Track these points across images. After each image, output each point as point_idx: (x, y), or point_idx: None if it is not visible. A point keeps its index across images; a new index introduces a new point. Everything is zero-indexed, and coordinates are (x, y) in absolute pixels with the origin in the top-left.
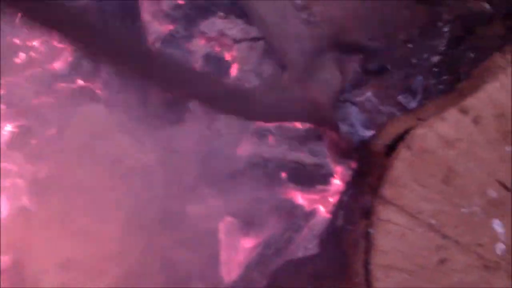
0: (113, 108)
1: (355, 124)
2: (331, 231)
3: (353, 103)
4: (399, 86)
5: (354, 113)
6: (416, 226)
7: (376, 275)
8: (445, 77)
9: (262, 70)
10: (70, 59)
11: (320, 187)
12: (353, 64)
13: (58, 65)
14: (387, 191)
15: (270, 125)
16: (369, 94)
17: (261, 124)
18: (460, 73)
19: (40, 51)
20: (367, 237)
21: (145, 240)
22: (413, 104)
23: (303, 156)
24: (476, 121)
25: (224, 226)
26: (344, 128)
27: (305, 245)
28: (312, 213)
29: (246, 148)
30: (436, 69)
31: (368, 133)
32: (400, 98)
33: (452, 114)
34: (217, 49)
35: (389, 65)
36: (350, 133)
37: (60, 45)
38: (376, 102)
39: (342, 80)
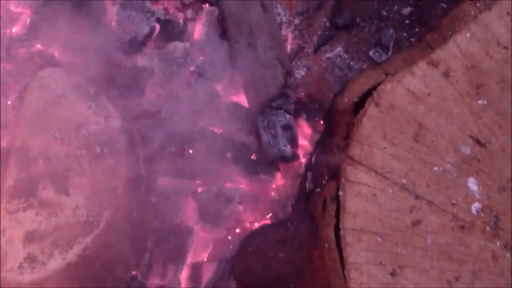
0: (73, 72)
1: (278, 135)
2: (300, 195)
3: (286, 111)
4: (370, 40)
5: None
6: (387, 186)
7: (347, 239)
8: (416, 30)
9: None
10: (28, 23)
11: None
12: (322, 19)
13: (16, 29)
14: (355, 150)
15: None
16: (339, 49)
17: None
18: (432, 25)
19: None
20: (337, 200)
21: (112, 207)
22: (384, 59)
23: None
24: (446, 74)
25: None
26: (265, 137)
27: (275, 210)
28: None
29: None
30: (407, 21)
31: (287, 150)
32: (371, 53)
33: (421, 67)
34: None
35: (358, 18)
36: (270, 145)
37: (18, 9)
38: (346, 57)
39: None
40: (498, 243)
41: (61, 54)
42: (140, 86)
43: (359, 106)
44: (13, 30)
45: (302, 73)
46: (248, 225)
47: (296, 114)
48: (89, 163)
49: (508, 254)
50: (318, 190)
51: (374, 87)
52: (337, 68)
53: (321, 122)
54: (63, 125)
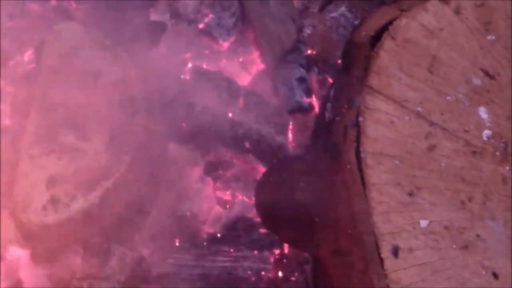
0: (88, 25)
1: (294, 87)
2: (321, 125)
3: (300, 65)
4: (374, 1)
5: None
6: (404, 114)
7: (367, 162)
8: None
9: None
10: None
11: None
12: None
13: None
14: (373, 80)
15: None
16: (343, 9)
17: None
18: None
19: None
20: (357, 126)
21: (130, 154)
22: None
23: None
24: (457, 11)
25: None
26: (281, 89)
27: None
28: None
29: None
30: None
31: (304, 101)
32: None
33: (433, 4)
34: None
35: None
36: (287, 97)
37: None
38: (350, 17)
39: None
40: (507, 167)
41: (76, 9)
42: (154, 40)
43: (375, 40)
44: None
45: (308, 31)
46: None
47: (307, 69)
48: (108, 111)
49: None
50: (338, 118)
51: (390, 22)
52: (341, 27)
53: (328, 78)
54: (81, 75)
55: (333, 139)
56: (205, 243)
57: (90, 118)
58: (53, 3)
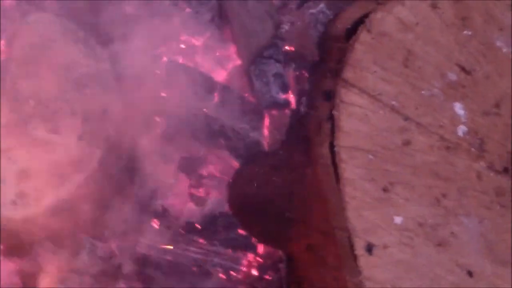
0: (61, 16)
1: (270, 83)
2: (295, 119)
3: (277, 60)
4: None
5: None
6: (378, 107)
7: (341, 156)
8: None
9: None
10: None
11: None
12: None
13: None
14: (348, 73)
15: None
16: (322, 6)
17: None
18: None
19: None
20: (331, 120)
21: (102, 148)
22: None
23: None
24: (434, 5)
25: None
26: (257, 85)
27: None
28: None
29: None
30: None
31: (279, 96)
32: None
33: None
34: None
35: None
36: (262, 92)
37: None
38: (329, 13)
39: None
40: (482, 164)
41: (48, 0)
42: (128, 34)
43: (351, 33)
44: None
45: (286, 27)
46: None
47: (284, 64)
48: (80, 104)
49: (492, 174)
50: (312, 112)
51: (366, 15)
52: (319, 24)
53: (305, 73)
54: (53, 67)
55: (307, 133)
56: (180, 231)
57: (61, 111)
58: None
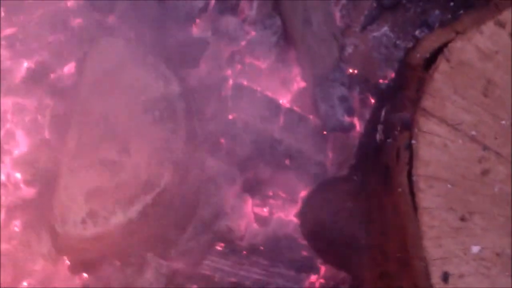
0: (130, 41)
1: (335, 106)
2: (371, 146)
3: (342, 83)
4: (416, 20)
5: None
6: (457, 137)
7: (419, 185)
8: (461, 12)
9: None
10: None
11: None
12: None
13: (71, 2)
14: (427, 102)
15: None
16: (385, 29)
17: None
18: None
19: None
20: (410, 149)
21: (170, 169)
22: None
23: None
24: None
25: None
26: (323, 108)
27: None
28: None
29: None
30: (452, 4)
31: (345, 120)
32: (417, 32)
33: (489, 27)
34: None
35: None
36: (328, 115)
37: None
38: (392, 36)
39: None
40: None
41: (118, 25)
42: (196, 57)
43: (429, 62)
44: (68, 3)
45: (350, 50)
46: None
47: (348, 87)
48: (149, 126)
49: None
50: (390, 140)
51: (445, 45)
52: (383, 47)
53: (370, 96)
54: (123, 90)
55: (385, 161)
56: (244, 252)
57: (131, 133)
58: (96, 17)
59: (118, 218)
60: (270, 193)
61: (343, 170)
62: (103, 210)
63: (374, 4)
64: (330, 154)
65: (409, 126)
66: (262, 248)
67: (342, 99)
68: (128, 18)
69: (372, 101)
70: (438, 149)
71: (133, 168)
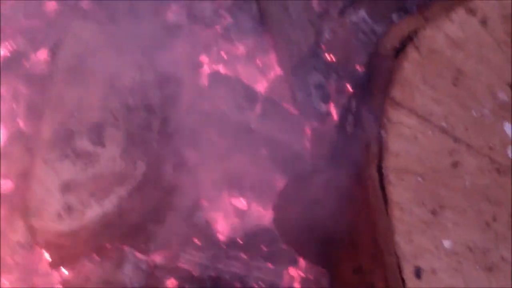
0: (103, 26)
1: (312, 94)
2: (341, 136)
3: (319, 71)
4: (393, 4)
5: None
6: (428, 128)
7: (390, 178)
8: None
9: None
10: None
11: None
12: None
13: None
14: (397, 92)
15: None
16: (362, 13)
17: None
18: None
19: None
20: (379, 140)
21: (146, 160)
22: None
23: None
24: (483, 21)
25: None
26: (299, 96)
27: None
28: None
29: None
30: None
31: (322, 108)
32: (394, 17)
33: (459, 14)
34: None
35: None
36: (304, 104)
37: None
38: (370, 22)
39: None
40: None
41: (92, 8)
42: (170, 42)
43: (399, 51)
44: None
45: (327, 36)
46: None
47: (326, 75)
48: (124, 116)
49: None
50: (359, 131)
51: (415, 33)
52: (361, 32)
53: (347, 84)
54: (97, 78)
55: (354, 154)
56: (223, 246)
57: (105, 122)
58: (70, 2)
59: (94, 211)
60: (248, 185)
61: (320, 161)
62: (79, 203)
63: None
64: (308, 144)
65: (378, 117)
66: (240, 241)
67: (319, 87)
68: (102, 3)
69: (350, 89)
70: (408, 140)
71: (108, 159)
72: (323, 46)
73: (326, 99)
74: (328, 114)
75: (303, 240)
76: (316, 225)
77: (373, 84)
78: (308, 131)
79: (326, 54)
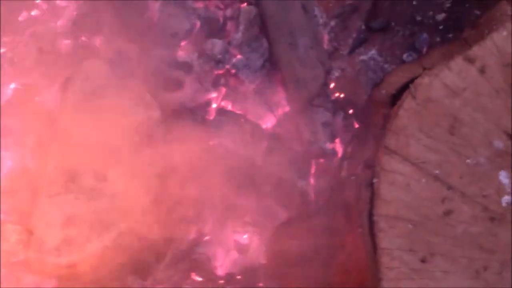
0: (115, 64)
1: (319, 132)
2: (335, 183)
3: (326, 109)
4: (404, 44)
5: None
6: (421, 176)
7: (380, 225)
8: (450, 35)
9: None
10: (73, 16)
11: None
12: (357, 22)
13: (61, 23)
14: (391, 140)
15: None
16: (373, 52)
17: None
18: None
19: (42, 9)
20: (371, 187)
21: (149, 196)
22: None
23: None
24: (482, 70)
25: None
26: (306, 134)
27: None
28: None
29: None
30: (441, 27)
31: (327, 146)
32: (405, 56)
33: (457, 63)
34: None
35: (393, 22)
36: (311, 141)
37: (63, 3)
38: (380, 60)
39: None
40: None
41: (104, 47)
42: (179, 80)
43: (396, 98)
44: (58, 23)
45: (337, 74)
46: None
47: (333, 113)
48: (128, 152)
49: None
50: (353, 178)
51: (411, 80)
52: (370, 71)
53: (355, 121)
54: (103, 115)
55: (346, 199)
56: (221, 281)
57: (110, 158)
58: (83, 40)
59: (94, 246)
60: (250, 220)
61: (322, 200)
62: (79, 237)
63: (363, 27)
64: (312, 181)
65: (372, 164)
66: (239, 277)
67: (326, 125)
68: (114, 42)
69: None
70: (401, 188)
71: (110, 195)
72: (331, 84)
73: (332, 137)
74: (334, 152)
75: (294, 276)
76: (308, 264)
77: (368, 131)
78: (313, 168)
79: (334, 92)
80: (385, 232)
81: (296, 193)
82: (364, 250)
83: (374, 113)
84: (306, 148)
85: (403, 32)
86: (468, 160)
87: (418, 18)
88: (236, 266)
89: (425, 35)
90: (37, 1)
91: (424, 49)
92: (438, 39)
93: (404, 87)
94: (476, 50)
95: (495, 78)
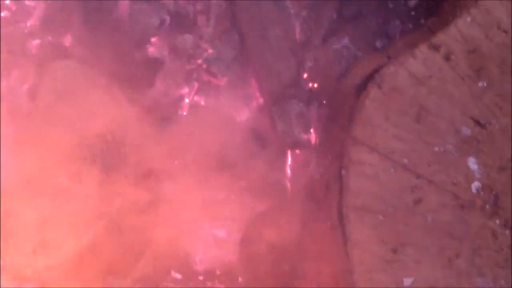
0: (85, 63)
1: (292, 123)
2: (304, 176)
3: (299, 100)
4: (376, 31)
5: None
6: (389, 166)
7: (349, 217)
8: (422, 21)
9: None
10: (41, 16)
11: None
12: (329, 11)
13: (30, 23)
14: (358, 131)
15: None
16: (346, 41)
17: None
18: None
19: (12, 10)
20: (340, 179)
21: (123, 195)
22: None
23: None
24: (447, 57)
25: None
26: (280, 125)
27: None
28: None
29: None
30: (413, 13)
31: (302, 137)
32: (378, 43)
33: (422, 50)
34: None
35: (365, 10)
36: (285, 133)
37: (32, 3)
38: (353, 48)
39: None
40: (497, 221)
41: (73, 46)
42: (151, 76)
43: (362, 89)
44: (27, 24)
45: (310, 64)
46: None
47: (307, 103)
48: (102, 152)
49: (507, 232)
50: (321, 170)
51: (377, 70)
52: (344, 59)
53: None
54: (76, 115)
55: (316, 193)
56: (200, 277)
57: (83, 159)
58: (51, 40)
59: (69, 248)
60: (228, 214)
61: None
62: (55, 239)
63: (335, 16)
64: (289, 172)
65: (340, 156)
66: (218, 272)
67: (300, 116)
68: (83, 40)
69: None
70: (369, 179)
71: (84, 196)
72: (304, 74)
73: (307, 128)
74: (309, 142)
75: (267, 268)
76: (278, 264)
77: (335, 123)
78: (288, 159)
79: (308, 82)
80: (355, 224)
81: (271, 185)
82: (334, 243)
83: (341, 104)
84: (281, 139)
85: (376, 20)
86: (436, 148)
87: (390, 6)
88: (214, 262)
89: (397, 22)
90: (7, 2)
91: (397, 35)
92: (410, 25)
93: (369, 77)
94: (440, 37)
95: (460, 65)
